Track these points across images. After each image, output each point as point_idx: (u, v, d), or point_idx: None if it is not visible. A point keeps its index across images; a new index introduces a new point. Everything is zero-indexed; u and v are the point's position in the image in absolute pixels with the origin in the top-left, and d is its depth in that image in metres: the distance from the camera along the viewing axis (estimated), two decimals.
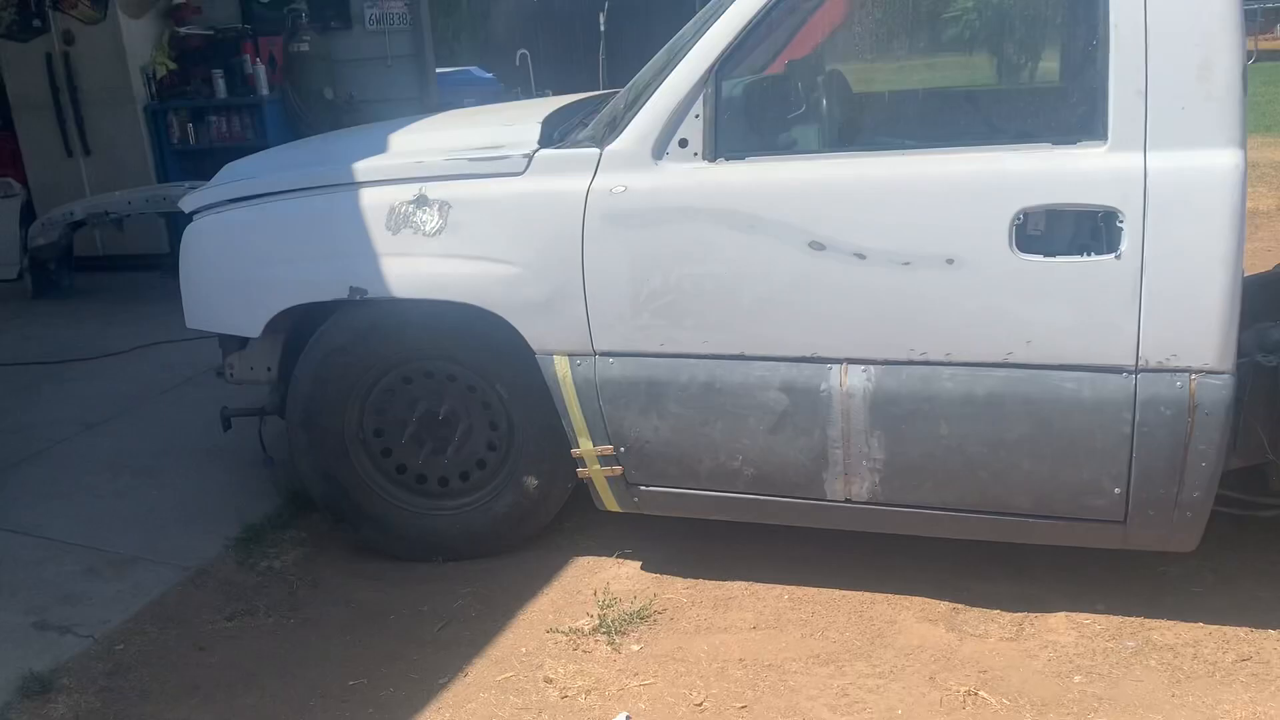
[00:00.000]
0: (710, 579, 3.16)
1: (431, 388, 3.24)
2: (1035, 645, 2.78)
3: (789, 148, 2.84)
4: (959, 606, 2.96)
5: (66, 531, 3.51)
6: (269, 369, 3.49)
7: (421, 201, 3.07)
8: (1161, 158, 2.49)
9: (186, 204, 3.44)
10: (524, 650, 2.87)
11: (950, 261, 2.64)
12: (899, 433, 2.78)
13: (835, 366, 2.79)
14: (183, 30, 7.08)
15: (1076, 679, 2.64)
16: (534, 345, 3.02)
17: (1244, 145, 2.47)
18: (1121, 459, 2.64)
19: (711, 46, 2.79)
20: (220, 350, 3.62)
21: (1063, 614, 2.89)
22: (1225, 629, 2.77)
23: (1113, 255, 2.53)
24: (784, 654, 2.79)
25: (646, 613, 3.00)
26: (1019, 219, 2.57)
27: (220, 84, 6.92)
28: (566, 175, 2.94)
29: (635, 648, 2.86)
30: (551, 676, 2.75)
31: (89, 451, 4.22)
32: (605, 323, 2.93)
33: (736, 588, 3.11)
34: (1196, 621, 2.81)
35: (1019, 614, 2.91)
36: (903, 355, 2.74)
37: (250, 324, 3.33)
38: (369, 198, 3.13)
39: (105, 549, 3.39)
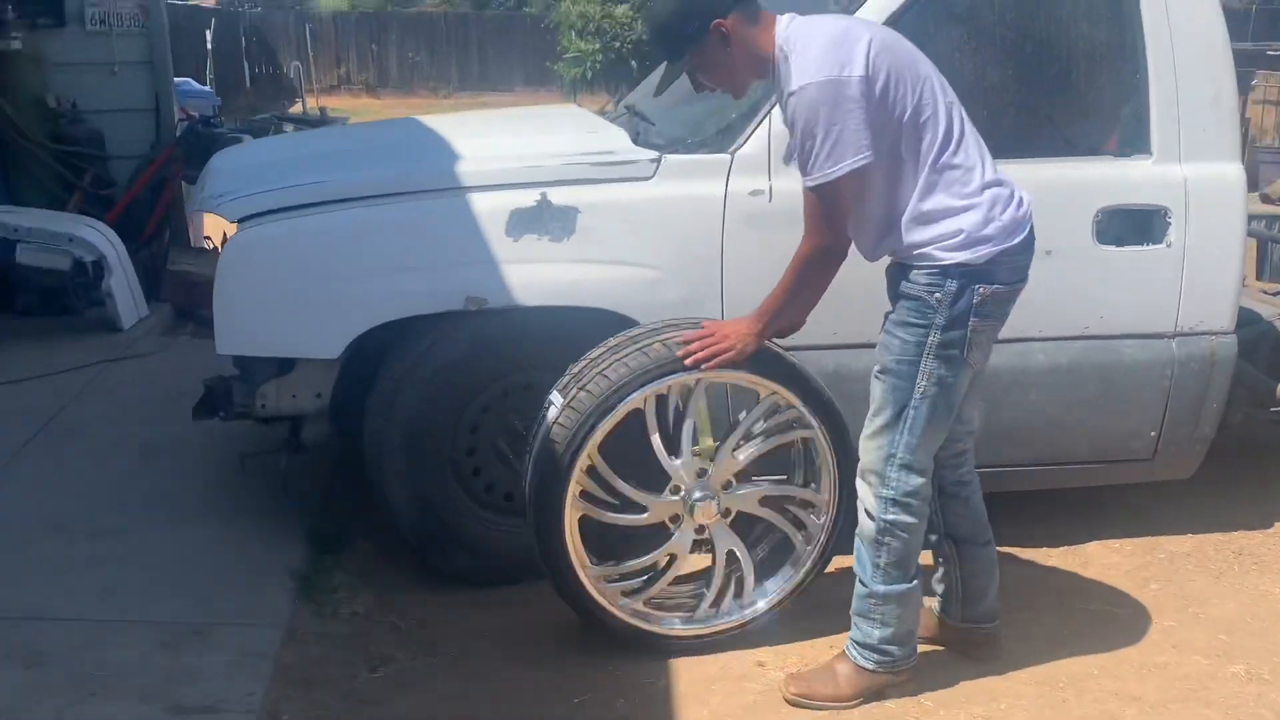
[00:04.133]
0: None
1: (530, 400, 3.13)
2: (1101, 569, 3.37)
3: None
4: (1009, 549, 3.45)
5: (84, 609, 2.86)
6: (318, 395, 3.14)
7: (545, 206, 2.99)
8: (1193, 168, 3.20)
9: (232, 211, 2.99)
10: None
11: (1049, 253, 3.12)
12: (997, 401, 3.22)
13: None
14: None
15: (1153, 587, 3.27)
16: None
17: (1241, 159, 3.26)
18: (1159, 407, 3.31)
19: None
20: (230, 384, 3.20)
21: (1093, 543, 3.51)
22: (1208, 536, 3.55)
23: (1164, 245, 3.19)
24: None
25: None
26: (1099, 216, 3.16)
27: None
28: (700, 179, 3.04)
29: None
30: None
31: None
32: None
33: None
34: (1185, 534, 3.56)
35: (1059, 549, 3.49)
36: (1006, 334, 3.19)
37: (327, 344, 2.99)
38: (483, 202, 2.99)
39: (159, 620, 2.83)
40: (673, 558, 2.88)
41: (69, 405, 4.29)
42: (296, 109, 11.60)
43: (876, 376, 2.66)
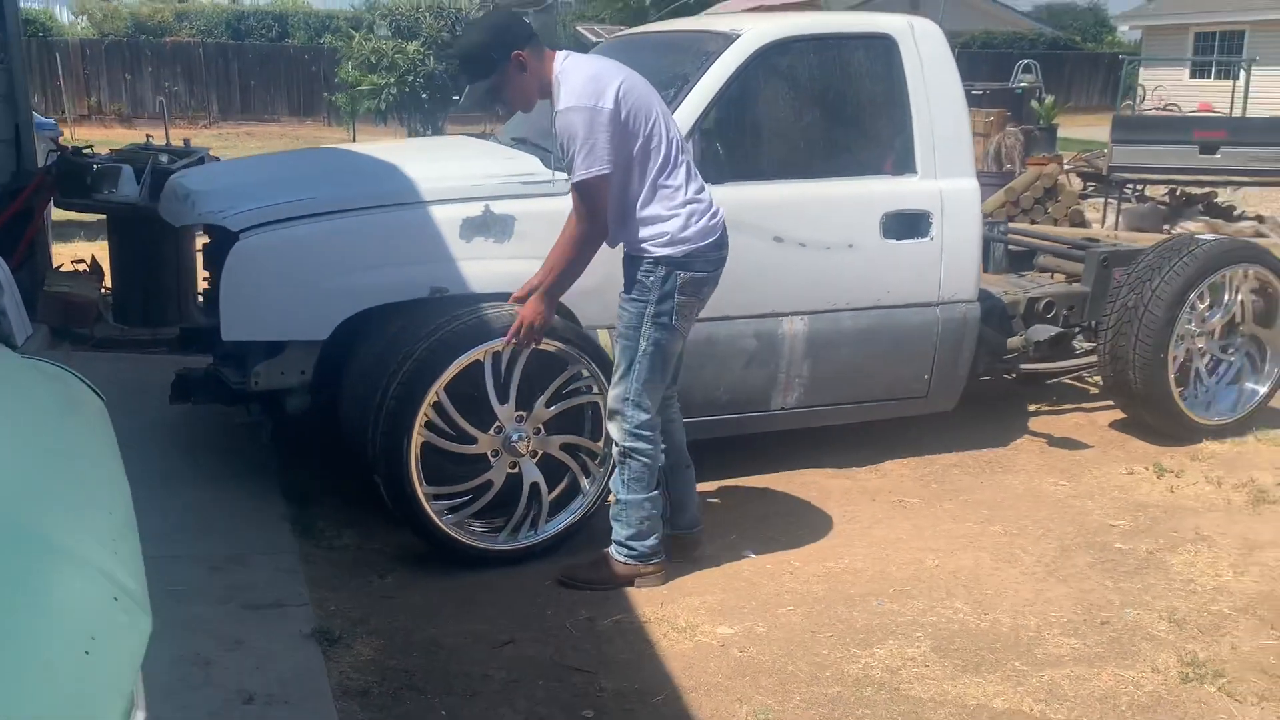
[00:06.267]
0: None
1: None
2: (896, 477, 4.57)
3: (751, 176, 4.25)
4: (832, 470, 4.61)
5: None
6: (303, 372, 3.86)
7: (489, 215, 3.87)
8: (945, 183, 4.46)
9: (235, 223, 3.67)
10: None
11: (850, 245, 4.33)
12: (818, 357, 4.37)
13: (785, 318, 4.29)
14: None
15: (933, 486, 4.49)
16: (584, 322, 3.99)
17: (975, 175, 4.57)
18: (929, 357, 4.56)
19: (691, 110, 4.10)
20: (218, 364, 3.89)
21: (889, 462, 4.72)
22: (968, 452, 4.84)
23: (929, 238, 4.44)
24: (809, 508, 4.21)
25: None
26: (884, 218, 4.36)
27: None
28: None
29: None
30: None
31: None
32: None
33: None
34: (952, 451, 4.84)
35: (865, 466, 4.67)
36: (822, 306, 4.34)
37: (319, 328, 3.73)
38: (440, 213, 3.83)
39: (200, 554, 3.48)
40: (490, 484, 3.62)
41: None
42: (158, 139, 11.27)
43: (614, 341, 3.59)
